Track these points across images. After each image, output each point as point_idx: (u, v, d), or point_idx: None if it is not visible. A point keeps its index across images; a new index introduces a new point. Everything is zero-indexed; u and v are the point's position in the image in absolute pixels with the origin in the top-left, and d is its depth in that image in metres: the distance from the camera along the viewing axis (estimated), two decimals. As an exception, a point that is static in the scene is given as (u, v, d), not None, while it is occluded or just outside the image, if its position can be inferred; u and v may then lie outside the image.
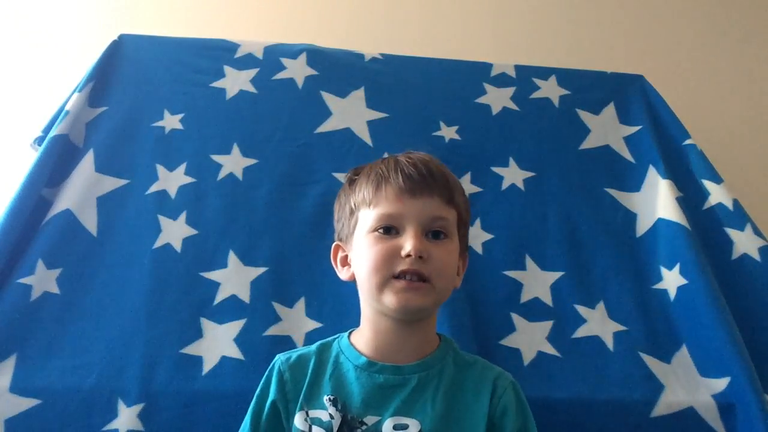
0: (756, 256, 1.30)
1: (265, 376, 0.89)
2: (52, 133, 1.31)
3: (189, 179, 1.31)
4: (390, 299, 0.82)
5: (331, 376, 0.86)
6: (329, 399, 0.83)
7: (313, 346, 0.91)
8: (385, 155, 0.95)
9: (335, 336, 0.93)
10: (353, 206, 0.89)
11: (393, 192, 0.85)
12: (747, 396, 1.04)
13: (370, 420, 0.82)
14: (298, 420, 0.83)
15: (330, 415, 0.82)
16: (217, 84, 1.49)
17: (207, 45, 1.58)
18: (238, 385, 1.01)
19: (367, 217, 0.86)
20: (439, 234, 0.85)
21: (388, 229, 0.84)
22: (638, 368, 1.11)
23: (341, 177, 1.32)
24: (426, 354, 0.87)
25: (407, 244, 0.82)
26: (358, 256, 0.87)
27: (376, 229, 0.85)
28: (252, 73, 1.52)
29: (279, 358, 0.90)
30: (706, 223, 1.36)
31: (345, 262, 0.91)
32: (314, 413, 0.83)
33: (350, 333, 0.92)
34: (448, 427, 0.82)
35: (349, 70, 1.57)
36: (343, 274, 0.92)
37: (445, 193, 0.86)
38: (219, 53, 1.55)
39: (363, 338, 0.88)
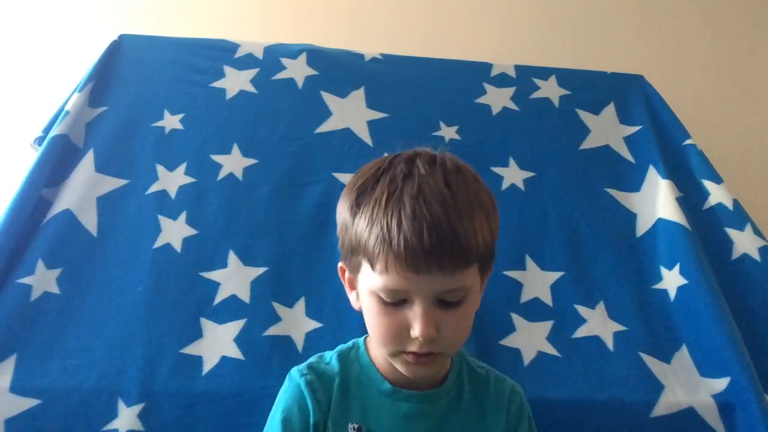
0: (756, 256, 1.30)
1: (290, 396, 0.83)
2: (52, 133, 1.31)
3: (189, 179, 1.31)
4: (401, 367, 0.79)
5: (354, 398, 0.83)
6: (354, 428, 0.81)
7: (334, 361, 0.86)
8: (396, 165, 0.78)
9: (350, 346, 0.89)
10: (354, 245, 0.76)
11: (395, 266, 0.71)
12: (747, 396, 1.04)
13: None
14: None
15: None
16: (217, 84, 1.49)
17: (207, 45, 1.58)
18: (238, 385, 1.01)
19: (370, 276, 0.75)
20: (452, 303, 0.75)
21: (394, 301, 0.74)
22: (638, 368, 1.11)
23: (341, 177, 1.32)
24: (444, 375, 0.86)
25: (415, 325, 0.72)
26: (365, 311, 0.79)
27: (379, 297, 0.75)
28: (252, 73, 1.52)
29: (303, 375, 0.83)
30: (706, 223, 1.36)
31: (353, 285, 0.82)
32: None
33: (366, 343, 0.88)
34: None
35: (349, 70, 1.57)
36: (353, 302, 0.84)
37: (461, 259, 0.72)
38: (219, 53, 1.55)
39: (382, 359, 0.84)
